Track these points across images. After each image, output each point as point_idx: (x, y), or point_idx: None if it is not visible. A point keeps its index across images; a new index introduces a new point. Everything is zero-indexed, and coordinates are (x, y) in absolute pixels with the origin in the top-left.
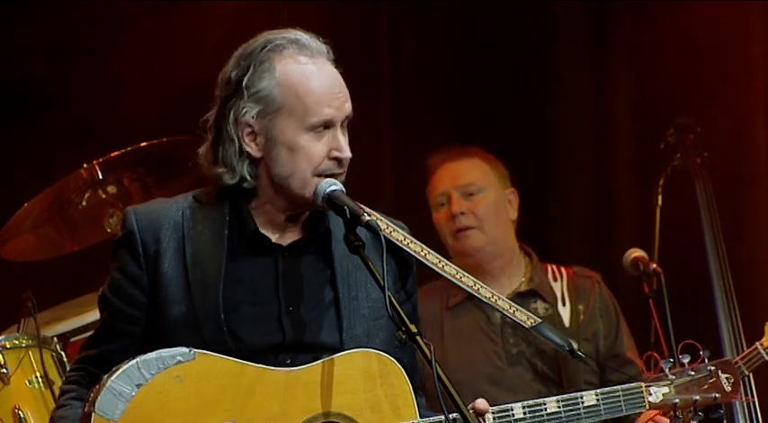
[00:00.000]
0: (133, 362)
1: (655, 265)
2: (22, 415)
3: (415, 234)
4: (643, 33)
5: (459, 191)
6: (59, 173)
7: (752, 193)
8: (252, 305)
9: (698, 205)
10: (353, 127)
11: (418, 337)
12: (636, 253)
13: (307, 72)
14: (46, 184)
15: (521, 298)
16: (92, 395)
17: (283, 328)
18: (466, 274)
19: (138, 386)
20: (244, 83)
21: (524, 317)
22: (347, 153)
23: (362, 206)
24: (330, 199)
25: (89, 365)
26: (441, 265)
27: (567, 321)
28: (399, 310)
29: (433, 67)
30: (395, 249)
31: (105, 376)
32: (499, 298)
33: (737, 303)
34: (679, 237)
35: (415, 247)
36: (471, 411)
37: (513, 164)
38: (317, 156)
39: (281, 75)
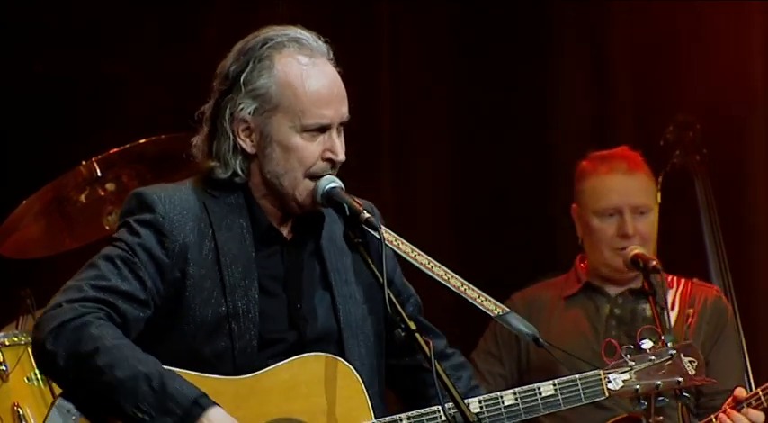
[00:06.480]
0: None
1: (654, 262)
2: (21, 412)
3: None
4: (643, 33)
5: (633, 210)
6: (58, 170)
7: (751, 191)
8: (270, 303)
9: (697, 202)
10: (353, 124)
11: (417, 334)
12: (636, 250)
13: (306, 73)
14: (44, 180)
15: (633, 295)
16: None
17: (296, 324)
18: (437, 264)
19: None
20: (242, 79)
21: (492, 306)
22: (341, 156)
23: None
24: (330, 196)
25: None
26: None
27: (673, 324)
28: (399, 307)
29: (433, 62)
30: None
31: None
32: (468, 287)
33: (736, 300)
34: (678, 234)
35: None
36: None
37: (512, 162)
38: (310, 157)
39: (280, 73)
